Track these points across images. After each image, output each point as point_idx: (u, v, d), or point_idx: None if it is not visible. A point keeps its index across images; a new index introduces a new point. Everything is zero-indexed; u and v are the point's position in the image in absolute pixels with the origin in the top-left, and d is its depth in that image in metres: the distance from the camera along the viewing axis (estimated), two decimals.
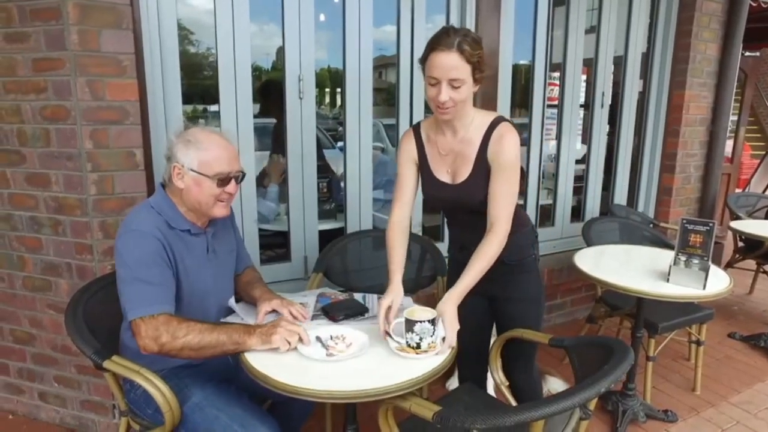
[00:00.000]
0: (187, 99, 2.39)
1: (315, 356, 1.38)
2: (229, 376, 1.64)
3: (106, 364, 1.47)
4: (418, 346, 1.38)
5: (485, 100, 2.86)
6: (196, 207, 1.55)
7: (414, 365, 1.35)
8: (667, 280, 2.08)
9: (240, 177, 1.59)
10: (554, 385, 2.55)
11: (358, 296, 1.85)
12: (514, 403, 1.76)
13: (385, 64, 3.07)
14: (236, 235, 1.82)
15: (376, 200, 2.95)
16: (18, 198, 2.17)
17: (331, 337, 1.48)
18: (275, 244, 2.86)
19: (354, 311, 1.66)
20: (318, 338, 1.46)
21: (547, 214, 3.63)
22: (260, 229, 2.71)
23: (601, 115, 3.60)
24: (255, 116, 2.45)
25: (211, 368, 1.61)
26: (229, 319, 1.67)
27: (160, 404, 1.41)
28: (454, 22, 2.85)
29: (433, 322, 1.39)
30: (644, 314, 2.33)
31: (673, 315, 2.46)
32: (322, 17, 2.79)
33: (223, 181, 1.53)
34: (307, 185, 2.63)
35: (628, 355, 1.26)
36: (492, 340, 1.88)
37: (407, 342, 1.40)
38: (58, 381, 2.35)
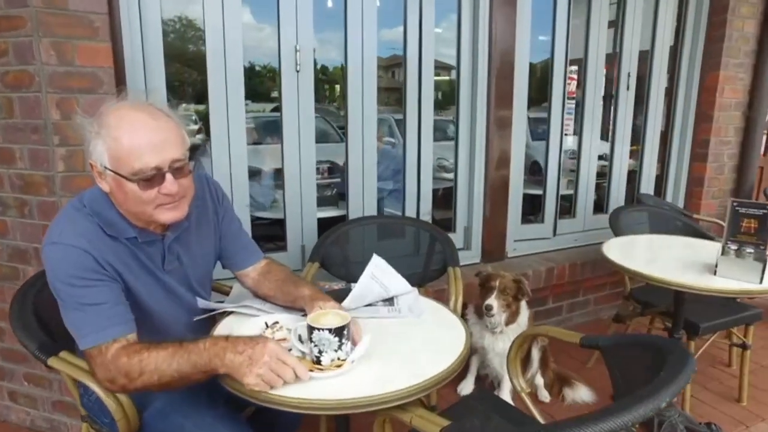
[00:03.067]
0: (171, 69, 2.16)
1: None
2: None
3: (52, 361, 1.24)
4: (318, 360, 1.08)
5: (500, 98, 2.65)
6: (135, 216, 1.19)
7: (418, 368, 1.10)
8: (714, 273, 1.81)
9: (181, 167, 1.15)
10: (579, 393, 2.28)
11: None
12: (535, 412, 1.50)
13: (398, 64, 2.93)
14: (231, 226, 1.46)
15: (380, 190, 2.72)
16: None
17: (267, 325, 1.24)
18: (271, 234, 2.64)
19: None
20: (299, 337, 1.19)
21: (567, 205, 3.37)
22: (255, 217, 2.48)
23: (627, 99, 3.31)
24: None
25: None
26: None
27: (112, 411, 1.18)
28: (466, 19, 2.62)
29: (339, 332, 1.06)
30: (683, 313, 2.04)
31: (715, 314, 2.17)
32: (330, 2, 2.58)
33: (148, 181, 1.11)
34: (304, 168, 2.40)
35: (688, 360, 1.00)
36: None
37: (308, 353, 1.10)
38: (28, 380, 2.14)
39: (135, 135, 1.10)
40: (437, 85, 2.61)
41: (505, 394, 2.23)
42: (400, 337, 1.28)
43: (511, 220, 2.86)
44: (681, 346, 1.06)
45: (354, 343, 1.12)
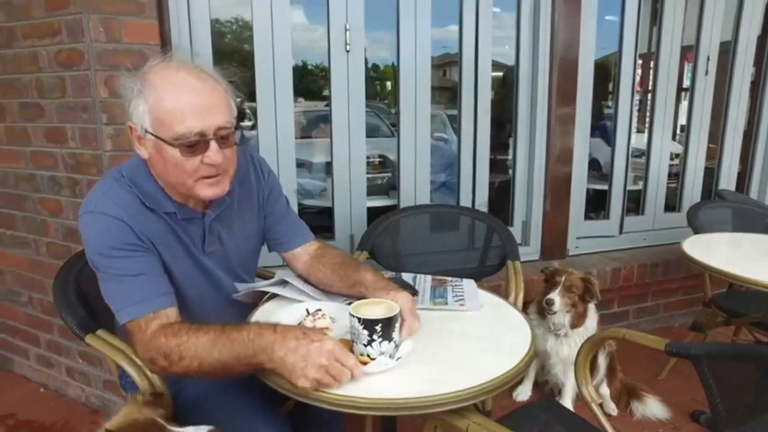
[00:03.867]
0: (218, 46, 2.11)
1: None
2: None
3: (89, 338, 1.19)
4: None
5: (562, 95, 2.48)
6: (174, 187, 1.10)
7: (477, 369, 0.96)
8: None
9: (227, 135, 1.06)
10: (651, 408, 2.04)
11: (407, 276, 1.48)
12: (607, 426, 1.32)
13: (449, 63, 2.82)
14: (277, 203, 1.35)
15: (433, 182, 2.57)
16: (39, 156, 1.99)
17: (308, 312, 1.12)
18: (319, 224, 2.56)
19: None
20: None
21: (634, 202, 3.09)
22: (303, 206, 2.41)
23: (705, 84, 2.99)
24: None
25: None
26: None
27: (142, 391, 1.10)
28: (526, 15, 2.46)
29: (368, 325, 0.92)
30: None
31: None
32: None
33: (191, 147, 1.02)
34: (354, 156, 2.29)
35: None
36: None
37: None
38: (82, 357, 2.16)
39: (179, 96, 1.01)
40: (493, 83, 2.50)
41: (568, 403, 2.04)
42: (457, 335, 1.14)
43: (573, 215, 2.64)
44: None
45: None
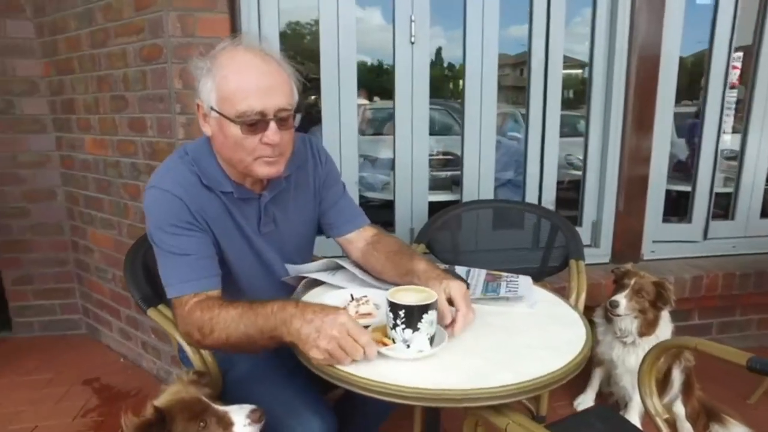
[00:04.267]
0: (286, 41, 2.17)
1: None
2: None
3: (150, 312, 1.27)
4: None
5: (641, 95, 2.31)
6: (233, 165, 1.14)
7: (522, 366, 0.90)
8: None
9: (286, 117, 1.09)
10: None
11: (460, 270, 1.43)
12: None
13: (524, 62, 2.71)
14: (333, 188, 1.37)
15: (497, 179, 2.50)
16: (123, 144, 2.16)
17: (353, 297, 1.12)
18: (380, 220, 2.56)
19: None
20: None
21: (723, 206, 2.81)
22: (365, 199, 2.43)
23: None
24: None
25: None
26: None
27: (196, 367, 1.16)
28: (603, 11, 2.30)
29: (394, 309, 0.91)
30: None
31: None
32: None
33: (251, 126, 1.06)
34: (416, 149, 2.27)
35: None
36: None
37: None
38: (154, 333, 2.31)
39: (243, 76, 1.05)
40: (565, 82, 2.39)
41: (634, 419, 1.89)
42: (506, 330, 1.09)
43: (649, 217, 2.44)
44: None
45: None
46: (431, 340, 0.93)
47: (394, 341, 0.93)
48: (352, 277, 1.30)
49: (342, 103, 2.16)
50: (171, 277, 1.11)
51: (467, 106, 2.29)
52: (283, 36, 2.08)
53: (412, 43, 2.14)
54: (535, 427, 0.81)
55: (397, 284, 1.21)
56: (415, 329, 0.91)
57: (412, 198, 2.31)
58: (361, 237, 1.36)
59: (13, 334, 2.74)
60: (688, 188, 2.69)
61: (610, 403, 2.08)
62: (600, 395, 2.10)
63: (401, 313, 0.90)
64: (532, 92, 2.33)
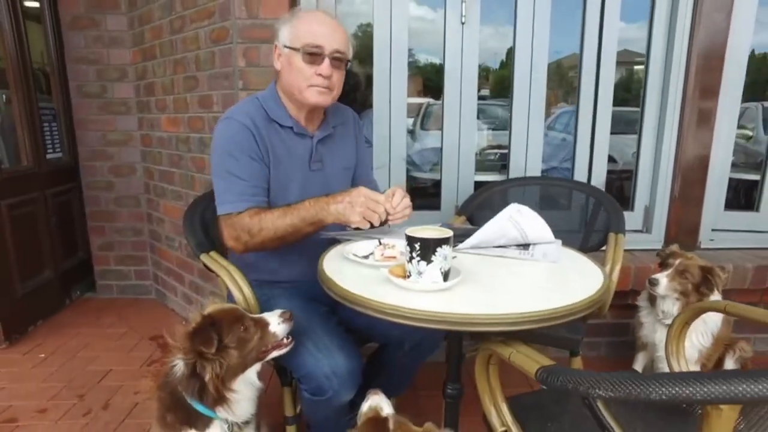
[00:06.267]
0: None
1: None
2: (328, 301, 1.42)
3: (203, 257, 1.42)
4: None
5: (703, 90, 2.21)
6: (291, 93, 1.37)
7: (533, 301, 0.95)
8: None
9: (340, 60, 1.34)
10: None
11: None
12: None
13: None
14: (359, 147, 1.59)
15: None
16: (193, 121, 2.37)
17: (380, 242, 1.24)
18: (428, 193, 2.62)
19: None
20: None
21: (745, 194, 2.64)
22: (412, 178, 2.50)
23: None
24: None
25: (310, 291, 1.38)
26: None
27: (238, 303, 1.29)
28: (664, 12, 2.22)
29: (411, 243, 0.99)
30: None
31: None
32: None
33: (312, 56, 1.31)
34: (464, 130, 2.31)
35: None
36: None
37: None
38: (214, 297, 2.50)
39: (313, 21, 1.35)
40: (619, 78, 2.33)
41: None
42: (524, 276, 1.14)
43: (709, 203, 2.32)
44: None
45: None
46: (445, 275, 1.00)
47: (410, 275, 1.00)
48: (385, 231, 1.38)
49: (392, 96, 2.25)
50: (224, 195, 1.31)
51: (515, 97, 2.30)
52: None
53: (463, 24, 2.18)
54: (535, 354, 0.85)
55: None
56: (429, 261, 0.97)
57: (458, 177, 2.35)
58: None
59: (97, 295, 3.08)
60: (755, 176, 2.53)
61: None
62: None
63: (417, 245, 0.98)
64: (583, 87, 2.30)
